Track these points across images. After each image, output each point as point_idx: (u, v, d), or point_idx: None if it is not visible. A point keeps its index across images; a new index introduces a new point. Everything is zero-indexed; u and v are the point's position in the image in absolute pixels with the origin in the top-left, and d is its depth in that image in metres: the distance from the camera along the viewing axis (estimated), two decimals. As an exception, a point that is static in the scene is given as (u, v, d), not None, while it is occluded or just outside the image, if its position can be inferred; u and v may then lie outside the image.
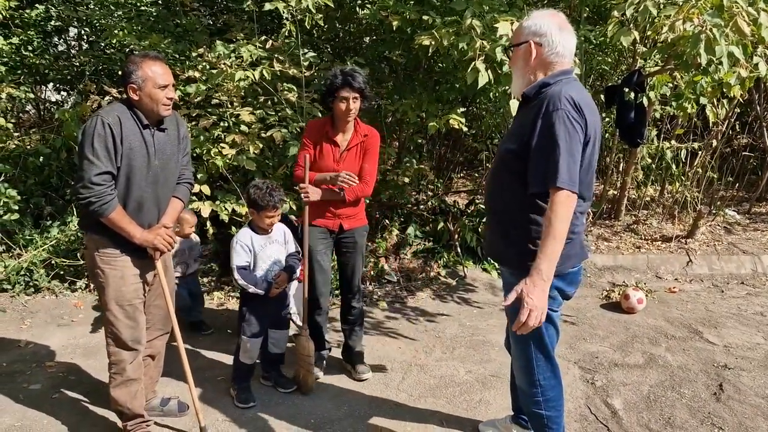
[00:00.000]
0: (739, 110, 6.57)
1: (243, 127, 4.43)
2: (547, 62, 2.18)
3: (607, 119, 5.89)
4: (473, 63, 3.61)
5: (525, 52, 2.20)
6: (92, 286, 4.62)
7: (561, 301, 2.33)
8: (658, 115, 6.15)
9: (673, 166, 6.46)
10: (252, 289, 3.02)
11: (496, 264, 5.30)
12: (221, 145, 4.31)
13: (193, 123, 4.41)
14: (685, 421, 3.07)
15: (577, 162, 2.05)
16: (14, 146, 4.90)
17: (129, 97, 2.50)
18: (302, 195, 3.16)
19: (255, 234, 3.09)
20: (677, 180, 6.51)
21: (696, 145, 6.46)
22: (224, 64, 4.29)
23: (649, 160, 6.45)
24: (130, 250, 2.56)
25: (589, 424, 3.04)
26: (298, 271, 3.22)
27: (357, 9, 5.17)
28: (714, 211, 6.63)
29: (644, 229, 6.24)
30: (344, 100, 3.11)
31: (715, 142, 6.41)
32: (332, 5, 4.43)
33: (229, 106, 4.53)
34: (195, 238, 4.16)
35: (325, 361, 3.55)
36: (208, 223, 4.50)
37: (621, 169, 6.63)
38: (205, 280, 4.85)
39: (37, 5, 5.86)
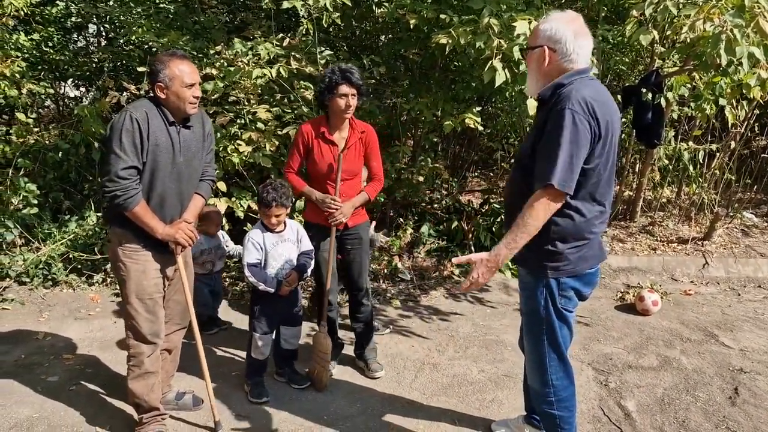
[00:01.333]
0: (758, 111, 6.48)
1: (259, 125, 4.47)
2: (561, 68, 2.19)
3: (624, 120, 5.84)
4: (490, 62, 3.61)
5: (539, 56, 2.21)
6: (109, 280, 4.68)
7: (577, 301, 2.33)
8: (675, 116, 6.08)
9: (691, 168, 6.39)
10: (262, 286, 3.03)
11: (511, 264, 5.31)
12: (238, 142, 4.36)
13: (210, 120, 4.44)
14: (699, 425, 3.05)
15: (575, 165, 2.05)
16: (34, 141, 4.96)
17: (156, 95, 2.53)
18: (336, 218, 3.15)
19: (267, 232, 3.11)
20: (694, 181, 6.44)
21: (714, 146, 6.39)
22: (242, 61, 4.32)
23: (666, 161, 6.38)
24: (152, 245, 2.60)
25: (602, 426, 3.03)
26: (309, 271, 3.23)
27: (374, 7, 5.18)
28: (731, 214, 6.56)
29: (660, 231, 6.18)
30: (343, 97, 3.10)
31: (733, 144, 6.33)
32: (349, 3, 4.45)
33: (246, 103, 4.56)
34: (223, 236, 4.19)
35: (337, 358, 3.57)
36: (224, 220, 4.54)
37: (637, 169, 6.56)
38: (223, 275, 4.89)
39: (57, 2, 5.93)
